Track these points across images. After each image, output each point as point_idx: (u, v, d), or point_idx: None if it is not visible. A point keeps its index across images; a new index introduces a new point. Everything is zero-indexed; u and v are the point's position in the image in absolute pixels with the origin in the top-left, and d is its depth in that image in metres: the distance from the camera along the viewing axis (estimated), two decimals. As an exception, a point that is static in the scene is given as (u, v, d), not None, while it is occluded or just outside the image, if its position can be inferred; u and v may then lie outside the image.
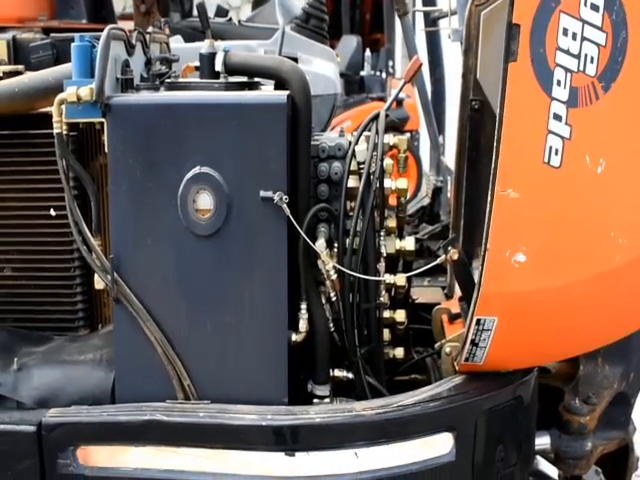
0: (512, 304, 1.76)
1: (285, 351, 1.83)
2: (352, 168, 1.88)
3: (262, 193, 1.75)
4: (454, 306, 2.25)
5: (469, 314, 1.81)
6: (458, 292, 2.31)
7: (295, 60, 2.15)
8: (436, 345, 2.04)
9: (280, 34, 2.19)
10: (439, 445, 1.87)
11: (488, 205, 1.67)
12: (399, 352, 2.06)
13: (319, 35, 2.44)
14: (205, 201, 1.78)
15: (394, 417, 1.82)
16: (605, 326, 1.83)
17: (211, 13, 2.94)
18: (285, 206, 1.74)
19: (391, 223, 1.97)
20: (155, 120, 1.76)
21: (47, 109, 1.97)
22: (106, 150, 1.84)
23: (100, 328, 2.11)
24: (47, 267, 2.07)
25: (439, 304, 2.28)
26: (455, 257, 1.80)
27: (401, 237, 1.99)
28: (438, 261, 1.84)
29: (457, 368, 1.93)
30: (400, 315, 2.03)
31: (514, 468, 2.00)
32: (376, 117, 1.93)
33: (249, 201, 1.77)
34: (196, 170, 1.77)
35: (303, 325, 1.85)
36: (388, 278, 1.92)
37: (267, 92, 1.83)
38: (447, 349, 2.00)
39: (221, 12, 2.80)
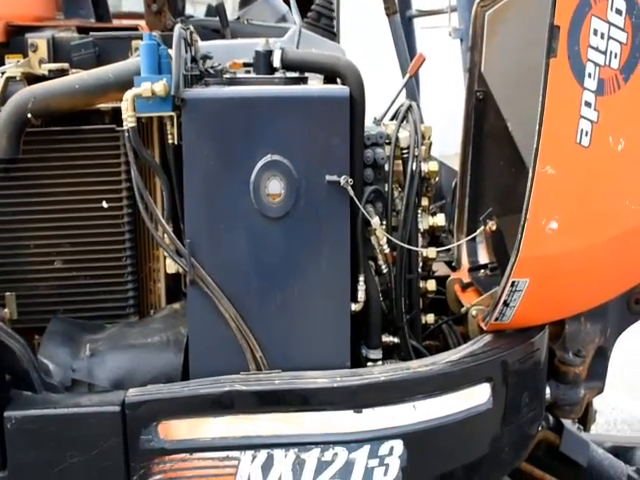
0: (543, 266, 2.04)
1: (348, 320, 2.03)
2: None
3: (328, 177, 1.94)
4: (464, 276, 2.51)
5: (504, 277, 2.06)
6: (465, 264, 2.58)
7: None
8: (462, 309, 2.29)
9: (297, 31, 2.37)
10: (479, 395, 2.12)
11: (529, 181, 1.94)
12: (430, 318, 2.29)
13: (329, 33, 2.64)
14: (275, 186, 1.94)
15: (445, 372, 2.05)
16: (617, 280, 2.15)
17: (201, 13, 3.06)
18: (350, 188, 1.94)
19: (424, 202, 2.20)
20: (229, 113, 1.91)
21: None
22: (169, 141, 1.98)
23: (152, 313, 2.22)
24: (99, 257, 2.16)
25: (449, 276, 2.53)
26: (494, 228, 2.06)
27: (433, 214, 2.23)
28: (478, 232, 2.09)
29: (485, 328, 2.19)
30: (431, 284, 2.27)
31: (534, 412, 2.28)
32: (410, 108, 2.16)
33: (316, 185, 1.96)
34: (267, 158, 1.93)
35: (361, 295, 2.05)
36: (431, 251, 2.16)
37: (331, 86, 2.01)
38: (473, 312, 2.25)
39: (211, 11, 2.93)
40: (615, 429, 3.79)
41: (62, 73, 2.11)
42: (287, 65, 2.01)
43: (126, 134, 1.93)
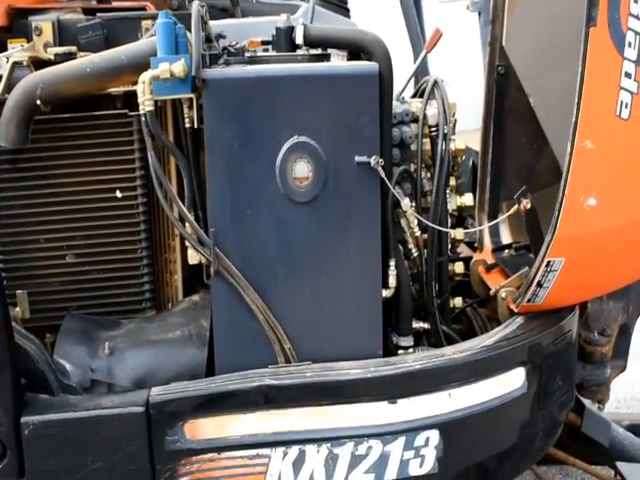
0: (580, 244, 1.96)
1: (380, 307, 1.95)
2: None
3: (357, 158, 1.85)
4: (487, 258, 2.43)
5: (539, 257, 1.99)
6: (488, 245, 2.50)
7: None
8: (491, 291, 2.21)
9: (311, 8, 2.27)
10: (513, 379, 2.05)
11: (567, 157, 1.86)
12: (458, 302, 2.22)
13: (342, 9, 2.54)
14: (302, 169, 1.85)
15: (480, 357, 1.98)
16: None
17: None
18: (380, 169, 1.85)
19: (451, 182, 2.12)
20: (253, 93, 1.81)
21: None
22: (187, 125, 1.88)
23: (170, 307, 2.12)
24: (113, 250, 2.06)
25: (471, 257, 2.45)
26: (528, 206, 1.98)
27: (460, 194, 2.15)
28: (512, 211, 2.01)
29: (516, 310, 2.12)
30: (459, 267, 2.19)
31: (566, 396, 2.22)
32: (435, 84, 2.07)
33: (344, 167, 1.86)
34: (294, 140, 1.83)
35: (392, 281, 1.97)
36: (459, 232, 2.08)
37: (359, 62, 1.91)
38: (503, 294, 2.18)
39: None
40: (625, 406, 3.75)
41: (69, 57, 1.99)
42: (310, 42, 1.91)
43: (143, 119, 1.82)
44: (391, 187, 1.89)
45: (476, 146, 2.54)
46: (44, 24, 2.05)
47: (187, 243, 1.91)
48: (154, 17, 2.10)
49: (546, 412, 2.15)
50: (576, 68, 1.88)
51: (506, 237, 2.48)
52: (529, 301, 2.08)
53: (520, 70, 2.33)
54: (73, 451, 1.82)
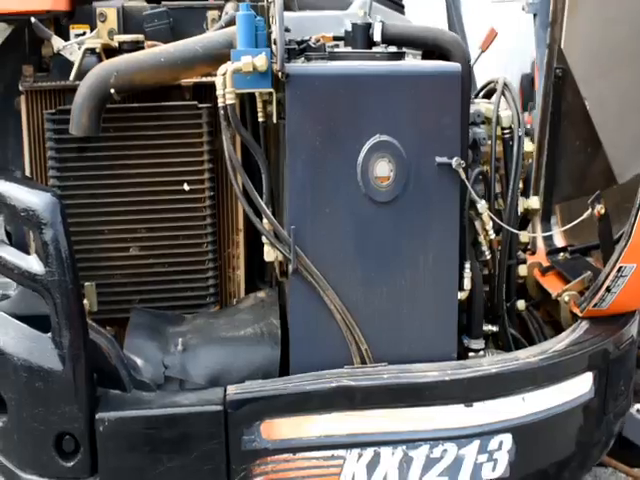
0: (653, 250, 1.95)
1: (455, 309, 1.92)
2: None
3: (438, 159, 1.81)
4: (542, 260, 2.42)
5: (610, 262, 1.97)
6: (542, 248, 2.49)
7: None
8: (553, 295, 2.20)
9: (368, 3, 2.24)
10: (582, 384, 2.04)
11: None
12: (521, 304, 2.19)
13: (397, 4, 2.51)
14: (384, 168, 1.81)
15: (554, 362, 1.96)
16: None
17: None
18: (461, 170, 1.82)
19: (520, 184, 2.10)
20: (336, 90, 1.77)
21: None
22: (260, 119, 1.84)
23: (234, 303, 2.08)
24: (179, 244, 2.01)
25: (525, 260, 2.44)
26: (602, 211, 1.96)
27: (527, 196, 2.13)
28: (585, 216, 1.99)
29: (581, 314, 2.10)
30: (523, 269, 2.17)
31: (627, 400, 2.21)
32: (505, 85, 2.05)
33: (425, 167, 1.83)
34: (376, 138, 1.80)
35: (467, 283, 1.94)
36: (524, 235, 2.06)
37: (441, 62, 1.88)
38: (566, 298, 2.16)
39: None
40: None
41: (137, 45, 1.94)
42: (388, 39, 1.88)
43: (222, 112, 1.77)
44: (470, 189, 1.86)
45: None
46: (109, 11, 1.99)
47: (264, 240, 1.85)
48: (220, 8, 2.06)
49: (608, 418, 2.14)
50: (635, 71, 1.88)
51: (559, 240, 2.48)
52: (595, 306, 2.07)
53: (577, 73, 2.32)
54: (148, 449, 1.76)
